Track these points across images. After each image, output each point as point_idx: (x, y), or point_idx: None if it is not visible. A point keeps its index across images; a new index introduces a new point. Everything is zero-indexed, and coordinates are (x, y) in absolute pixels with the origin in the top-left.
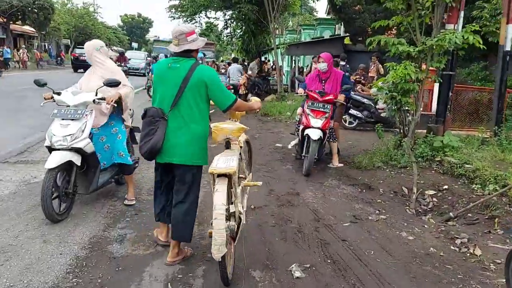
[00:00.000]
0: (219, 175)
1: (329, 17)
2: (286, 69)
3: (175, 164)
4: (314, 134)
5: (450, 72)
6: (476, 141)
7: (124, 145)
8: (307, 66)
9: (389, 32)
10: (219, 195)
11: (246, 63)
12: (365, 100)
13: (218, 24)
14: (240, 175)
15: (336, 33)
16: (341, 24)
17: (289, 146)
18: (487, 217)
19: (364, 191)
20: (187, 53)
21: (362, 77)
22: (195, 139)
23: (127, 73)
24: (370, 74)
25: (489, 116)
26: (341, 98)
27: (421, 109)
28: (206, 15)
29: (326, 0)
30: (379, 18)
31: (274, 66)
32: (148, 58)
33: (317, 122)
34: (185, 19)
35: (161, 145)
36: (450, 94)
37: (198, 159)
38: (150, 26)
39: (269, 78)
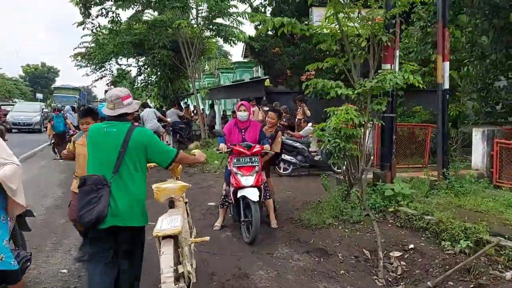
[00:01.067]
0: (164, 237)
1: (246, 60)
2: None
3: (120, 228)
4: (253, 194)
5: (391, 114)
6: (423, 185)
7: (5, 244)
8: (231, 111)
9: (308, 74)
10: (165, 257)
11: (164, 109)
12: (297, 145)
13: (130, 71)
14: (186, 232)
15: (254, 75)
16: (260, 67)
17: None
18: (472, 286)
19: (322, 259)
20: (122, 117)
21: (286, 119)
22: (136, 200)
23: (17, 129)
24: (297, 117)
25: (422, 152)
26: (267, 147)
27: (373, 157)
28: (117, 62)
29: (244, 45)
30: (297, 60)
31: (195, 111)
32: (45, 110)
33: (248, 179)
34: (93, 67)
35: (107, 211)
36: (394, 137)
37: (143, 220)
38: (56, 76)
39: (191, 124)
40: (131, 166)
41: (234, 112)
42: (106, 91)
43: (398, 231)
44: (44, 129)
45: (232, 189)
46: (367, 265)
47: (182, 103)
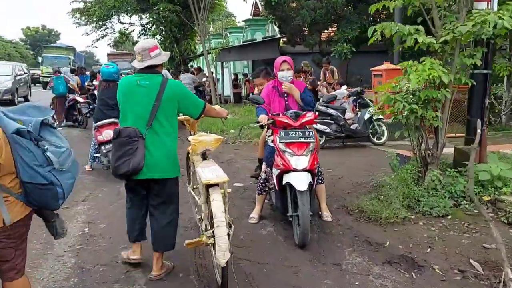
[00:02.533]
0: (212, 185)
1: (259, 18)
2: (217, 77)
3: (154, 179)
4: (301, 182)
5: (485, 71)
6: None
7: None
8: (242, 74)
9: (329, 31)
10: (217, 204)
11: (171, 73)
12: (332, 111)
13: (133, 30)
14: None
15: (267, 34)
16: (274, 24)
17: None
18: None
19: (414, 275)
20: (152, 69)
21: (310, 82)
22: (171, 152)
23: None
24: (327, 81)
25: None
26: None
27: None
28: (119, 20)
29: (254, 1)
30: (319, 15)
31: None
32: (21, 73)
33: (300, 161)
34: (93, 24)
35: (143, 164)
36: (487, 101)
37: (176, 172)
38: (57, 39)
39: (204, 90)
40: (164, 119)
41: (246, 75)
42: (133, 44)
43: (508, 231)
44: (21, 99)
45: (276, 171)
46: (481, 284)
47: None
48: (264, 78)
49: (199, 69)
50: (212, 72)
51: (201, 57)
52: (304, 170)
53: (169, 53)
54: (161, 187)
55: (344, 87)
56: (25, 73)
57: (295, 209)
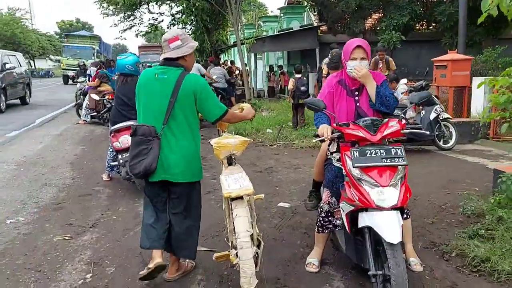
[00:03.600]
0: (236, 198)
1: (296, 5)
2: (252, 69)
3: (172, 182)
4: (392, 230)
5: None
6: None
7: None
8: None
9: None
10: (241, 220)
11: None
12: None
13: (162, 21)
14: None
15: (304, 23)
16: (313, 11)
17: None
18: None
19: None
20: (174, 62)
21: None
22: (189, 155)
23: None
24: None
25: None
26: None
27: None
28: (148, 10)
29: None
30: (366, 0)
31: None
32: (14, 66)
33: (386, 194)
34: (121, 14)
35: (155, 166)
36: None
37: (194, 176)
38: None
39: (235, 84)
40: (181, 117)
41: (281, 67)
42: (161, 35)
43: None
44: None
45: (347, 207)
46: None
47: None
48: None
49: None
50: (245, 64)
51: (232, 49)
52: (393, 208)
53: (196, 43)
54: (179, 191)
55: (404, 80)
56: (22, 65)
57: (380, 265)
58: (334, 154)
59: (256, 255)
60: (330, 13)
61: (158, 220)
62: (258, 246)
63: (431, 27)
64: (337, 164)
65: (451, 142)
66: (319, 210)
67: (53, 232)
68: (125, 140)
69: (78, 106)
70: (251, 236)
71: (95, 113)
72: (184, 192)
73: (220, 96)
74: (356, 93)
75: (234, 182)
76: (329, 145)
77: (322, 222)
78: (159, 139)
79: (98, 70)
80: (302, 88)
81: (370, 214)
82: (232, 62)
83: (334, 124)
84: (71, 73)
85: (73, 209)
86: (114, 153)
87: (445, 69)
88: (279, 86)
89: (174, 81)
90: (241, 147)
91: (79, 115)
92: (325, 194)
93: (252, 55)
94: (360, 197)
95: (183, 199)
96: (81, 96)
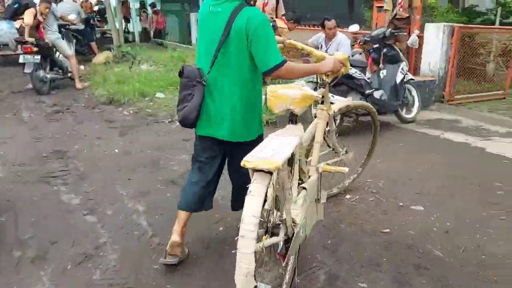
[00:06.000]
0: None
1: None
2: (114, 5)
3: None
4: None
5: None
6: None
7: None
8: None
9: None
10: (251, 201)
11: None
12: (353, 72)
13: None
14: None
15: None
16: None
17: None
18: None
19: None
20: None
21: None
22: (242, 107)
23: None
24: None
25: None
26: None
27: None
28: None
29: None
30: None
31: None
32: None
33: None
34: None
35: (194, 116)
36: None
37: (250, 134)
38: None
39: (93, 24)
40: (233, 60)
41: (153, 5)
42: None
43: None
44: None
45: None
46: None
47: None
48: None
49: None
50: None
51: None
52: None
53: None
54: (233, 150)
55: (356, 27)
56: None
57: None
58: None
59: (281, 246)
60: None
61: (202, 179)
62: (291, 236)
63: None
64: None
65: (414, 111)
66: None
67: None
68: None
69: None
70: (279, 223)
71: None
72: (239, 153)
73: (75, 40)
74: None
75: (272, 148)
76: None
77: None
78: (203, 85)
79: None
80: None
81: None
82: None
83: None
84: None
85: None
86: None
87: (387, 13)
88: (153, 28)
89: (227, 15)
90: (302, 102)
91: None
92: None
93: None
94: None
95: (238, 161)
96: None
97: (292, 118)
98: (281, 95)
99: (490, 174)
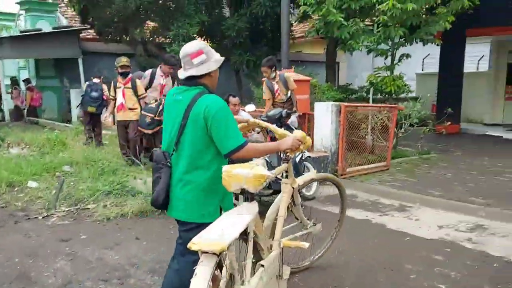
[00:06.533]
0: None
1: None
2: None
3: (177, 220)
4: None
5: None
6: None
7: None
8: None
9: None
10: (196, 284)
11: None
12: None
13: None
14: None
15: (58, 24)
16: (74, 10)
17: None
18: None
19: None
20: (194, 80)
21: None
22: (200, 189)
23: None
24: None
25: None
26: None
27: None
28: None
29: None
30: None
31: None
32: None
33: None
34: None
35: (162, 198)
36: None
37: (205, 216)
38: None
39: None
40: (191, 145)
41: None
42: None
43: None
44: None
45: None
46: None
47: None
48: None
49: None
50: None
51: None
52: None
53: (223, 58)
54: (184, 231)
55: (252, 106)
56: None
57: None
58: None
59: None
60: (101, 14)
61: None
62: None
63: (217, 42)
64: None
65: (313, 188)
66: None
67: None
68: None
69: None
70: None
71: None
72: (188, 234)
73: None
74: None
75: (222, 228)
76: None
77: None
78: (169, 167)
79: None
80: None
81: None
82: None
83: None
84: None
85: None
86: None
87: (268, 101)
88: (27, 106)
89: (188, 102)
90: (255, 181)
91: None
92: None
93: None
94: None
95: (186, 241)
96: None
97: (247, 195)
98: (235, 175)
99: (398, 255)
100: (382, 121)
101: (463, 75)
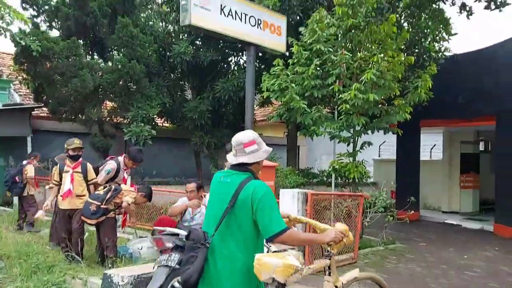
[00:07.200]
0: None
1: None
2: None
3: None
4: None
5: None
6: None
7: None
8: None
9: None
10: None
11: None
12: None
13: None
14: None
15: (10, 101)
16: (28, 87)
17: None
18: None
19: None
20: (243, 166)
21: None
22: (241, 270)
23: None
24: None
25: None
26: None
27: None
28: None
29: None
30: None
31: None
32: None
33: None
34: None
35: (196, 278)
36: None
37: None
38: None
39: None
40: (236, 227)
41: None
42: None
43: None
44: None
45: None
46: None
47: None
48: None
49: None
50: None
51: None
52: None
53: (270, 149)
54: None
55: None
56: None
57: None
58: None
59: None
60: (56, 93)
61: None
62: None
63: (176, 124)
64: None
65: None
66: None
67: None
68: None
69: None
70: None
71: None
72: None
73: None
74: None
75: None
76: None
77: None
78: (207, 247)
79: None
80: None
81: None
82: None
83: None
84: None
85: None
86: None
87: None
88: None
89: (236, 186)
90: (283, 271)
91: None
92: None
93: None
94: None
95: None
96: None
97: (278, 285)
98: (265, 263)
99: None
100: (347, 209)
101: (419, 163)
